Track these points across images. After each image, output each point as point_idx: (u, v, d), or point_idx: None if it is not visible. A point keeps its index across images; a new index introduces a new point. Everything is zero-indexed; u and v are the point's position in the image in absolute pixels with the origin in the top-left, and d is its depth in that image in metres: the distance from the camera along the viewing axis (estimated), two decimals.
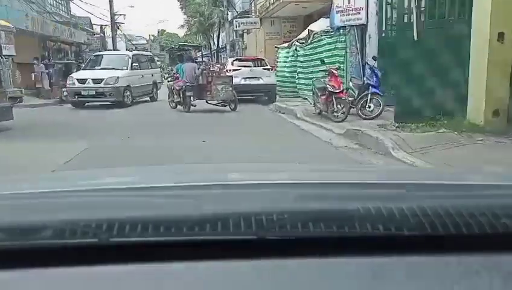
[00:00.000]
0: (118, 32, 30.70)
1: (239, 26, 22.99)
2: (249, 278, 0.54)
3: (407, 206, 0.59)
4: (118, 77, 12.76)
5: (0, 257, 0.55)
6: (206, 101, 11.39)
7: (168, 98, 12.23)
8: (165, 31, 63.65)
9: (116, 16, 29.23)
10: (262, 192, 0.72)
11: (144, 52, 19.91)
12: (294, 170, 1.19)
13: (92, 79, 12.62)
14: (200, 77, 11.21)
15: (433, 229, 0.56)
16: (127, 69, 13.60)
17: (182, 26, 45.92)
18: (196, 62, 13.65)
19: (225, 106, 11.19)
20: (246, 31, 24.75)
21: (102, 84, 12.53)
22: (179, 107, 11.57)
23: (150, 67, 15.70)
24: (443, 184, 0.81)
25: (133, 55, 14.98)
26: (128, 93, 13.14)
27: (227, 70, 12.85)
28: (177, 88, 11.31)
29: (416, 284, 0.53)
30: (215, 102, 11.28)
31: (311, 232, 0.57)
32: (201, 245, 0.57)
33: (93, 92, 12.55)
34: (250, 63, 14.18)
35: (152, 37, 55.59)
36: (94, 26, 32.04)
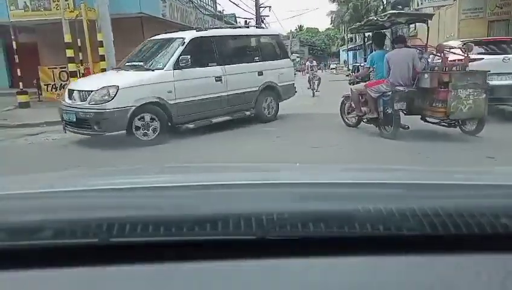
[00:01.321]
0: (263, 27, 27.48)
1: (421, 3, 15.99)
2: (249, 278, 0.54)
3: (407, 206, 0.59)
4: (118, 89, 6.15)
5: (0, 257, 0.55)
6: (423, 118, 6.30)
7: (342, 111, 7.24)
8: (303, 26, 61.11)
9: (261, 9, 26.39)
10: (262, 192, 0.72)
11: (240, 31, 9.49)
12: (294, 170, 1.19)
13: (78, 91, 6.46)
14: (426, 75, 5.84)
15: (433, 229, 0.56)
16: (161, 69, 6.69)
17: (332, 12, 42.06)
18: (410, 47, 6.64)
19: (455, 126, 5.96)
20: None
21: (87, 103, 6.21)
22: (363, 125, 6.73)
23: (256, 59, 8.14)
24: (443, 184, 0.81)
25: (192, 39, 7.14)
26: (147, 119, 6.36)
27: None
28: (374, 95, 6.13)
29: (416, 284, 0.53)
30: (436, 120, 6.07)
31: (311, 232, 0.57)
32: (201, 245, 0.57)
33: (74, 117, 6.29)
34: (500, 48, 7.60)
35: (292, 33, 51.57)
36: (238, 20, 29.07)
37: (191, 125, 6.87)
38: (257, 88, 8.04)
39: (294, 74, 10.33)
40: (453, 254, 0.56)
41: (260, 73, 8.13)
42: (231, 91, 7.51)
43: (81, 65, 11.01)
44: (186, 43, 7.00)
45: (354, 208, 0.59)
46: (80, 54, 11.00)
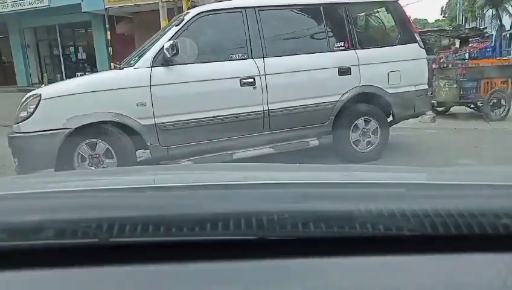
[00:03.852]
0: None
1: None
2: (249, 278, 0.54)
3: (408, 206, 0.59)
4: (39, 100, 3.63)
5: (0, 257, 0.55)
6: None
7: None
8: (410, 17, 59.08)
9: None
10: (262, 192, 0.72)
11: None
12: (294, 170, 1.19)
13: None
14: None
15: (433, 229, 0.56)
16: (132, 66, 3.95)
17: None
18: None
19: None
20: None
21: (14, 123, 3.82)
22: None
23: (338, 46, 4.48)
24: (443, 184, 0.81)
25: (197, 16, 4.01)
26: (101, 150, 3.72)
27: None
28: None
29: (416, 284, 0.53)
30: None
31: (311, 232, 0.57)
32: (201, 245, 0.57)
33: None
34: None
35: None
36: None
37: (185, 162, 3.93)
38: (337, 98, 4.39)
39: None
40: (453, 254, 0.56)
41: (345, 70, 4.38)
42: (275, 103, 4.15)
43: None
44: (185, 22, 3.99)
45: (354, 208, 0.59)
46: None
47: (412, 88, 4.68)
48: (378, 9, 5.17)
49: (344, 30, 4.52)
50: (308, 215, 0.58)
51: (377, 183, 0.83)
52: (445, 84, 7.55)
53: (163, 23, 7.92)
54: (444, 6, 42.38)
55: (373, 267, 0.55)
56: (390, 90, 4.55)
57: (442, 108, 8.23)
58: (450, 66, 7.89)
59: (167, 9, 9.00)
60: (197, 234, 0.56)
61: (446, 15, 42.54)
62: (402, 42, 4.70)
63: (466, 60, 8.68)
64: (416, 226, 0.56)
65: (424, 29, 11.16)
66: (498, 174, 1.01)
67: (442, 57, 8.35)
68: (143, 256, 0.55)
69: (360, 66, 4.44)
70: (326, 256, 0.55)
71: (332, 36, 4.55)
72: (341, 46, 4.50)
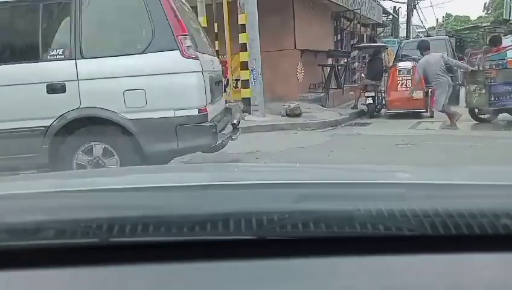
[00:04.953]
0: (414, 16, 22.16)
1: None
2: (249, 278, 0.54)
3: (408, 207, 0.59)
4: None
5: (0, 257, 0.55)
6: None
7: None
8: (451, 15, 50.94)
9: None
10: (263, 192, 0.72)
11: None
12: (294, 170, 1.19)
13: None
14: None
15: (433, 229, 0.56)
16: None
17: None
18: None
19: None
20: None
21: None
22: None
23: (51, 55, 3.40)
24: (443, 184, 0.81)
25: None
26: None
27: None
28: None
29: (416, 284, 0.53)
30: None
31: (311, 232, 0.56)
32: (201, 245, 0.57)
33: None
34: None
35: (439, 23, 43.01)
36: (390, 5, 23.35)
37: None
38: (48, 123, 3.44)
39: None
40: (453, 254, 0.56)
41: (56, 87, 3.41)
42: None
43: (218, 57, 8.57)
44: None
45: (354, 208, 0.59)
46: (217, 42, 8.08)
47: (169, 113, 3.41)
48: (132, 4, 3.67)
49: (66, 33, 3.44)
50: (308, 215, 0.58)
51: (377, 183, 0.83)
52: (474, 89, 6.84)
53: (201, 20, 7.19)
54: (487, 2, 39.91)
55: (373, 267, 0.55)
56: (130, 116, 3.39)
57: (486, 115, 7.33)
58: (481, 68, 7.08)
59: (206, 4, 8.19)
60: (197, 234, 0.56)
61: (489, 11, 41.08)
62: (154, 49, 3.43)
63: (504, 61, 7.18)
64: (416, 226, 0.56)
65: (471, 25, 10.17)
66: (498, 174, 1.01)
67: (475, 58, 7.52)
68: (143, 256, 0.55)
69: (79, 81, 3.38)
70: (326, 256, 0.55)
71: (48, 41, 3.52)
72: (59, 54, 3.43)
